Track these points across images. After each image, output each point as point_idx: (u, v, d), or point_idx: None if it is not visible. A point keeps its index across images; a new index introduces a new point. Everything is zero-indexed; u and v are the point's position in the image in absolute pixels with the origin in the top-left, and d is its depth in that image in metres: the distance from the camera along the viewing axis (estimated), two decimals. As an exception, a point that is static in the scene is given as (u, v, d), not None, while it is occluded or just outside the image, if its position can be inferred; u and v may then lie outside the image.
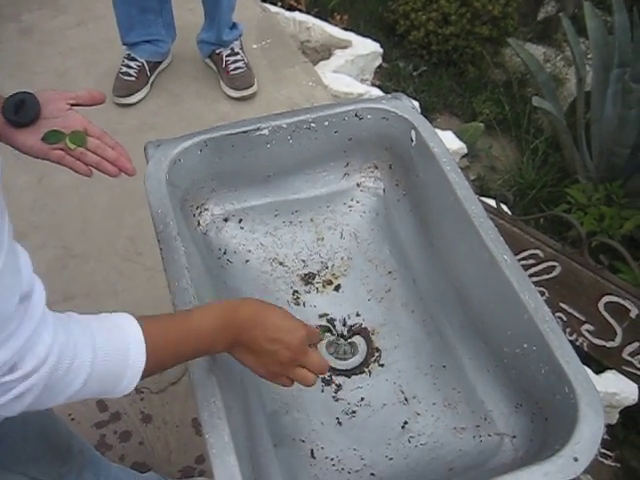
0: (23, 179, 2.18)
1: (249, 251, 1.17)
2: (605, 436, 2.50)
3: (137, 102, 2.39)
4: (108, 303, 1.92)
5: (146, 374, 0.73)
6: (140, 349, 0.71)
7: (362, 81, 3.25)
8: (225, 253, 1.15)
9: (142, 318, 0.74)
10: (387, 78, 3.77)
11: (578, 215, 2.90)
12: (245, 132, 1.10)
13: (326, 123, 1.14)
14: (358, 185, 1.22)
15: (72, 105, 0.96)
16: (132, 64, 2.37)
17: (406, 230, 1.16)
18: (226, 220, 1.17)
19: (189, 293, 0.89)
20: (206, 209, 1.15)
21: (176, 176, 1.06)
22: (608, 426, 2.47)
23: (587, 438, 0.78)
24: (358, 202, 1.22)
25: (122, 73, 2.38)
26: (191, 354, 0.79)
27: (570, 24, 3.08)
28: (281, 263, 1.18)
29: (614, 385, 2.31)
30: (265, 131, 1.11)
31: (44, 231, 2.07)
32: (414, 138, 1.13)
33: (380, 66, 3.53)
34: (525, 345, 0.91)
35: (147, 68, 2.40)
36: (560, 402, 0.84)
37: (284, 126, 1.12)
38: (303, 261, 1.20)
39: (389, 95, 1.18)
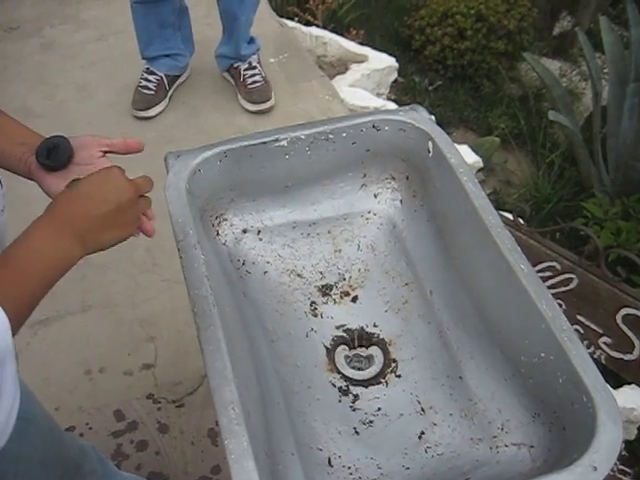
0: (40, 191, 2.21)
1: (267, 262, 1.18)
2: (623, 452, 2.48)
3: (156, 115, 2.42)
4: (126, 313, 1.94)
5: (17, 323, 0.67)
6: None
7: (378, 95, 3.27)
8: (244, 264, 1.16)
9: None
10: (403, 92, 3.80)
11: (595, 229, 2.89)
12: (264, 143, 1.11)
13: (344, 134, 1.15)
14: (375, 196, 1.23)
15: (106, 152, 0.95)
16: (151, 78, 2.41)
17: (423, 241, 1.17)
18: (245, 231, 1.18)
19: (209, 301, 0.90)
20: (225, 219, 1.17)
21: (196, 186, 1.07)
22: (626, 442, 2.45)
23: (606, 447, 0.78)
24: (375, 214, 1.23)
25: (141, 87, 2.42)
26: (45, 278, 0.72)
27: (586, 38, 3.09)
28: (299, 275, 1.19)
29: (632, 400, 2.29)
30: (284, 142, 1.12)
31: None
32: (431, 149, 1.14)
33: (396, 80, 3.55)
34: (542, 354, 0.91)
35: (166, 82, 2.43)
36: (578, 411, 0.84)
37: (302, 137, 1.13)
38: (321, 273, 1.20)
39: (406, 107, 1.19)
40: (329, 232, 1.22)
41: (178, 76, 2.50)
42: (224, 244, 1.15)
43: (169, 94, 2.47)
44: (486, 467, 0.94)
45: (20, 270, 0.69)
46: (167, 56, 2.40)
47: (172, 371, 1.82)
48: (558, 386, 0.88)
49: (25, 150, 0.90)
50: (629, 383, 1.99)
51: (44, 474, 1.09)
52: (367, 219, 1.23)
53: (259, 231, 1.19)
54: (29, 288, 0.69)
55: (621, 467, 2.45)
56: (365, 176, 1.22)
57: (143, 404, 1.77)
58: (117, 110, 2.47)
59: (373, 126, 1.16)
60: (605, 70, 3.44)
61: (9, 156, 0.90)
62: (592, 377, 0.84)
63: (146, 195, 0.87)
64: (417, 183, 1.19)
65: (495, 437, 0.96)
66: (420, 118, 1.16)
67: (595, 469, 0.77)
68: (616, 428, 0.79)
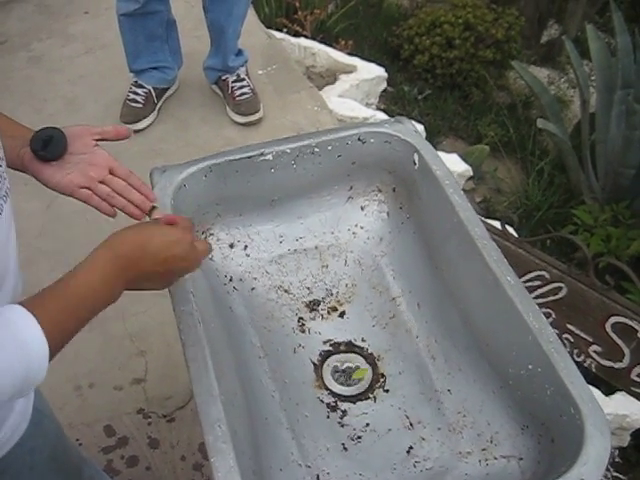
0: (32, 204, 2.21)
1: (255, 279, 1.18)
2: (617, 459, 2.48)
3: (144, 128, 2.42)
4: (116, 327, 1.93)
5: (56, 349, 0.71)
6: (37, 337, 0.68)
7: (367, 105, 3.27)
8: (231, 280, 1.15)
9: (33, 301, 0.71)
10: (392, 102, 3.81)
11: (584, 236, 2.91)
12: (249, 157, 1.11)
13: (329, 147, 1.15)
14: (362, 209, 1.22)
15: (98, 140, 0.97)
16: (139, 91, 2.41)
17: (410, 254, 1.17)
18: (232, 246, 1.18)
19: (194, 317, 0.89)
20: (212, 234, 1.16)
21: (181, 201, 1.07)
22: (620, 449, 2.45)
23: (594, 459, 0.78)
24: (362, 227, 1.23)
25: (129, 100, 2.41)
26: (93, 311, 0.76)
27: (573, 47, 3.11)
28: (286, 291, 1.19)
29: (624, 407, 2.29)
30: (269, 156, 1.12)
31: (52, 257, 2.08)
32: (417, 161, 1.14)
33: (385, 90, 3.56)
34: (530, 366, 0.91)
35: (154, 95, 2.43)
36: (566, 423, 0.84)
37: (288, 151, 1.13)
38: (308, 288, 1.20)
39: (392, 119, 1.20)
40: (316, 247, 1.21)
41: (166, 89, 2.50)
42: (211, 259, 1.15)
43: (157, 107, 2.47)
44: (475, 481, 0.94)
45: (73, 300, 0.73)
46: (155, 69, 2.40)
47: (162, 385, 1.81)
48: (546, 398, 0.88)
49: (17, 143, 0.91)
50: (621, 390, 1.99)
51: (54, 471, 1.09)
52: (354, 233, 1.22)
53: (246, 246, 1.18)
54: (74, 319, 0.73)
55: (615, 474, 2.45)
56: (352, 189, 1.21)
57: (133, 419, 1.76)
58: (106, 123, 2.45)
59: (359, 139, 1.16)
60: (593, 78, 3.46)
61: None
62: (579, 389, 0.84)
63: None
64: (404, 195, 1.19)
65: (484, 450, 0.96)
66: (405, 130, 1.17)
67: (583, 482, 0.76)
68: (604, 439, 0.79)
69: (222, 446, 0.79)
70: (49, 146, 0.90)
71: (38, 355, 0.68)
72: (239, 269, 1.16)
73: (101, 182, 0.95)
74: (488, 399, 0.99)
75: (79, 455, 1.21)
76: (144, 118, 2.42)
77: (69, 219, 2.18)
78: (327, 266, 1.21)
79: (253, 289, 1.16)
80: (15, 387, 0.67)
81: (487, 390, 0.99)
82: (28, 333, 0.67)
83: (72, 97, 2.60)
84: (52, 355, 0.70)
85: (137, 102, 2.40)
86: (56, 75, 2.69)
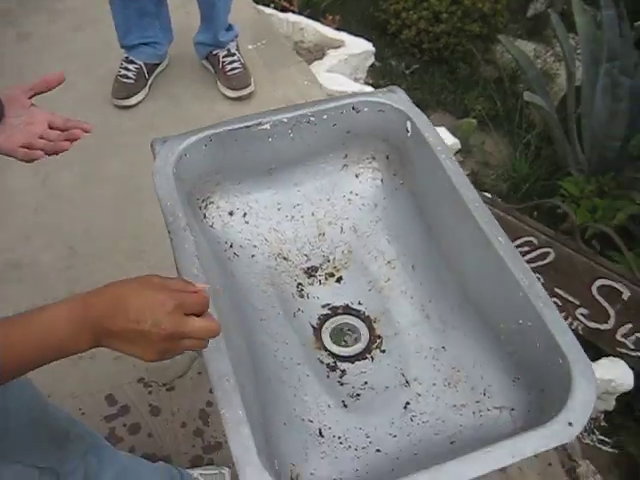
0: (27, 181, 2.23)
1: (254, 246, 1.21)
2: (603, 423, 2.54)
3: (136, 104, 2.43)
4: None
5: (8, 374, 0.71)
6: None
7: (355, 80, 3.29)
8: (231, 246, 1.19)
9: None
10: (380, 76, 3.82)
11: (571, 207, 2.95)
12: (247, 127, 1.15)
13: (325, 117, 1.18)
14: (357, 176, 1.26)
15: (32, 96, 1.02)
16: (130, 67, 2.42)
17: (404, 219, 1.21)
18: (231, 214, 1.21)
19: (200, 279, 0.93)
20: (212, 202, 1.20)
21: (182, 171, 1.10)
22: (605, 413, 2.52)
23: (581, 404, 0.83)
24: (357, 194, 1.26)
25: (121, 76, 2.43)
26: (58, 350, 0.74)
27: (559, 20, 3.13)
28: (285, 258, 1.23)
29: (610, 372, 2.35)
30: (267, 125, 1.15)
31: (49, 232, 2.10)
32: (410, 129, 1.17)
33: (373, 65, 3.58)
34: (520, 321, 0.95)
35: (145, 70, 2.44)
36: (555, 373, 0.89)
37: (285, 120, 1.16)
38: (306, 255, 1.24)
39: (384, 89, 1.23)
40: (313, 214, 1.25)
41: (157, 64, 2.51)
42: (211, 227, 1.19)
43: (149, 83, 2.48)
44: (469, 431, 0.98)
45: (35, 333, 0.72)
46: (146, 44, 2.41)
47: (161, 355, 1.85)
48: (536, 350, 0.93)
49: None
50: (607, 355, 2.05)
51: (34, 434, 1.11)
52: (349, 200, 1.26)
53: (245, 213, 1.22)
54: (35, 351, 0.72)
55: (601, 437, 2.52)
56: (346, 157, 1.25)
57: (134, 388, 1.80)
58: (97, 100, 2.47)
59: (353, 108, 1.19)
60: (579, 51, 3.49)
61: None
62: (567, 340, 0.89)
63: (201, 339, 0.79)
64: (397, 162, 1.23)
65: (478, 402, 1.01)
66: (398, 99, 1.20)
67: (571, 425, 0.81)
68: (590, 386, 0.84)
69: (231, 399, 0.83)
70: None
71: None
72: (239, 236, 1.20)
73: (40, 137, 1.01)
74: (481, 354, 1.03)
75: (65, 419, 1.23)
76: (136, 94, 2.43)
77: (65, 194, 2.21)
78: (324, 234, 1.24)
79: (253, 256, 1.20)
80: None
81: (480, 346, 1.04)
82: None
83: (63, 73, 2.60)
84: (1, 378, 0.69)
85: (128, 78, 2.42)
86: (45, 52, 2.69)
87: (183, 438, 1.72)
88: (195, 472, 1.60)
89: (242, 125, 1.14)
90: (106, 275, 2.00)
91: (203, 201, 1.19)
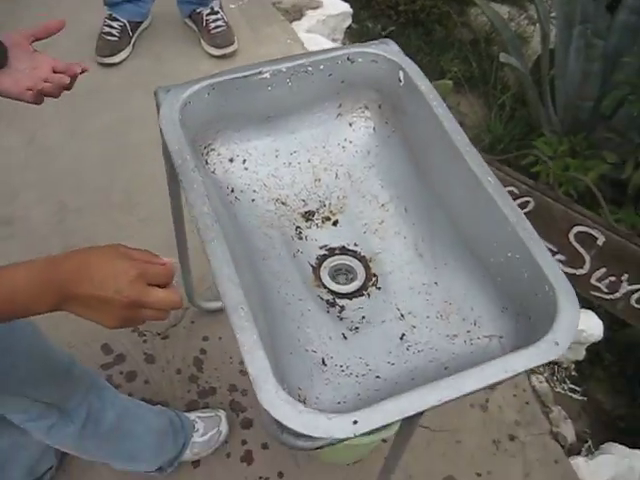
0: (13, 139, 2.24)
1: (254, 191, 1.27)
2: (573, 372, 2.66)
3: (121, 62, 2.46)
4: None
5: None
6: None
7: (333, 41, 3.32)
8: (232, 191, 1.24)
9: None
10: (357, 38, 3.85)
11: (545, 166, 3.04)
12: (248, 76, 1.19)
13: (321, 67, 1.23)
14: (350, 125, 1.32)
15: (33, 41, 1.07)
16: (114, 24, 2.43)
17: (396, 163, 1.27)
18: (231, 160, 1.26)
19: (211, 217, 0.98)
20: (213, 149, 1.25)
21: (186, 118, 1.15)
22: (576, 362, 2.64)
23: (566, 325, 0.91)
24: (351, 142, 1.32)
25: (104, 33, 2.44)
26: (12, 306, 0.75)
27: (534, -19, 3.18)
28: (283, 203, 1.28)
29: (582, 323, 2.45)
30: (266, 74, 1.20)
31: (38, 188, 2.13)
32: (402, 78, 1.23)
33: (349, 27, 3.60)
34: (509, 254, 1.03)
35: (129, 28, 2.46)
36: (541, 300, 0.97)
37: (283, 70, 1.21)
38: (303, 200, 1.30)
39: (377, 41, 1.28)
40: (309, 161, 1.31)
41: (140, 22, 2.52)
42: (213, 172, 1.24)
43: (132, 41, 2.50)
44: (462, 358, 1.06)
45: (2, 288, 0.73)
46: (129, 2, 2.42)
47: (155, 305, 1.91)
48: (523, 280, 1.01)
49: None
50: (581, 301, 2.15)
51: (38, 370, 1.17)
52: (343, 147, 1.32)
53: (244, 160, 1.27)
54: None
55: (571, 386, 2.63)
56: (340, 106, 1.31)
57: (129, 337, 1.85)
58: (81, 57, 2.44)
59: (348, 58, 1.25)
60: (552, 15, 3.55)
61: None
62: (552, 269, 0.97)
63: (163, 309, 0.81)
64: (389, 111, 1.29)
65: (469, 332, 1.09)
66: (391, 50, 1.26)
67: (557, 344, 0.89)
68: (574, 309, 0.92)
69: (245, 324, 0.89)
70: None
71: None
72: (239, 181, 1.25)
73: (45, 81, 1.05)
74: (472, 287, 1.11)
75: (67, 358, 1.28)
76: (120, 52, 2.45)
77: (52, 151, 2.24)
78: (320, 180, 1.30)
79: (253, 200, 1.25)
80: None
81: (471, 279, 1.11)
82: None
83: (44, 32, 2.60)
84: None
85: (112, 35, 2.43)
86: (27, 10, 2.68)
87: (178, 384, 1.79)
88: (192, 415, 1.66)
89: (243, 74, 1.19)
90: (99, 228, 2.05)
91: (205, 148, 1.24)
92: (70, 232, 2.02)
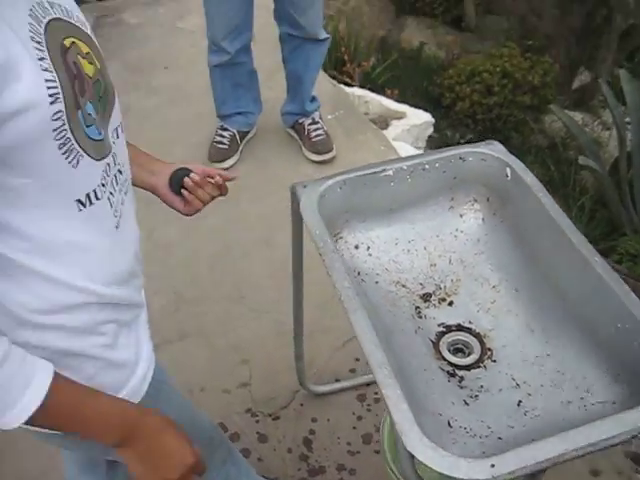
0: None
1: (377, 274, 1.42)
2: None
3: (229, 167, 2.71)
4: (219, 340, 2.17)
5: (37, 421, 0.78)
6: (39, 393, 0.77)
7: (417, 149, 3.55)
8: (359, 274, 1.40)
9: (62, 376, 0.81)
10: (437, 147, 4.09)
11: (629, 265, 3.12)
12: (374, 173, 1.38)
13: (437, 165, 1.41)
14: (461, 216, 1.47)
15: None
16: (225, 134, 2.71)
17: (504, 249, 1.41)
18: (357, 247, 1.43)
19: (353, 290, 1.14)
20: (341, 237, 1.42)
21: (322, 209, 1.33)
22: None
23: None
24: (462, 232, 1.47)
25: (216, 142, 2.71)
26: (81, 428, 0.85)
27: (609, 88, 3.37)
28: (403, 285, 1.43)
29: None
30: (390, 172, 1.38)
31: (157, 280, 2.34)
32: (509, 174, 1.39)
33: (430, 135, 3.84)
34: (619, 325, 1.14)
35: (238, 137, 2.73)
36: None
37: (404, 167, 1.39)
38: (421, 284, 1.44)
39: (484, 142, 1.46)
40: (425, 248, 1.46)
41: (248, 132, 2.81)
42: (341, 256, 1.40)
43: (240, 148, 2.77)
44: (578, 422, 1.15)
45: (80, 403, 0.85)
46: (239, 114, 2.71)
47: (266, 388, 2.05)
48: (634, 348, 1.11)
49: (156, 179, 1.23)
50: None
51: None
52: (455, 236, 1.47)
53: (368, 247, 1.43)
54: (68, 415, 0.84)
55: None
56: (452, 199, 1.47)
57: (243, 418, 1.99)
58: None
59: (460, 157, 1.42)
60: (627, 119, 3.71)
61: (139, 180, 1.20)
62: (663, 338, 1.07)
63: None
64: (497, 203, 1.45)
65: (582, 398, 1.19)
66: (497, 150, 1.43)
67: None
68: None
69: (389, 381, 1.02)
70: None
71: (24, 404, 0.76)
72: (364, 265, 1.41)
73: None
74: (583, 357, 1.21)
75: (209, 424, 1.38)
76: (229, 158, 2.71)
77: (169, 247, 2.46)
78: (435, 265, 1.45)
79: (377, 282, 1.40)
80: None
81: (581, 350, 1.22)
82: (36, 383, 0.77)
83: (161, 141, 2.88)
84: (32, 420, 0.77)
85: (223, 144, 2.70)
86: (144, 123, 3.00)
87: (290, 462, 1.90)
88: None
89: (370, 171, 1.37)
90: (211, 317, 2.23)
91: (334, 236, 1.41)
92: (185, 320, 2.21)
